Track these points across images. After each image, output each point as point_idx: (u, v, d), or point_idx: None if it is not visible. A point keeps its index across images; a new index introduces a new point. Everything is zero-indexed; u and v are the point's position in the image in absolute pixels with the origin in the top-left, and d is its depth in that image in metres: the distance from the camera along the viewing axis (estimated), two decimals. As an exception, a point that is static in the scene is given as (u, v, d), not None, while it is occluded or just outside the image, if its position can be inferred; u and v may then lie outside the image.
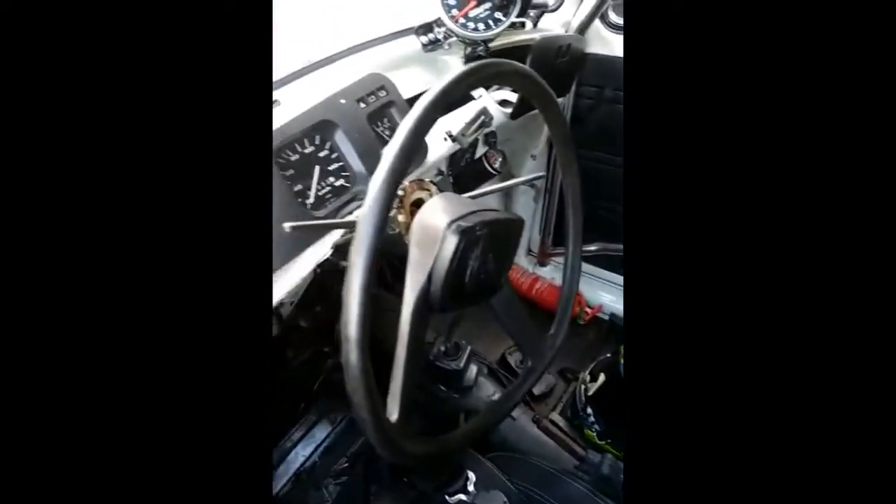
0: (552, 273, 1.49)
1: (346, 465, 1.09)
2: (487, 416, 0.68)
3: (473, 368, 0.99)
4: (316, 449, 1.11)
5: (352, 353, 0.39)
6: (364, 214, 0.39)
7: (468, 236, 0.50)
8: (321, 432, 1.14)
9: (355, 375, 0.40)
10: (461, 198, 0.58)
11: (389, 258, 0.71)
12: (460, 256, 0.50)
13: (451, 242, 0.50)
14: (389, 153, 0.40)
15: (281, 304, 1.05)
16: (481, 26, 0.85)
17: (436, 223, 0.52)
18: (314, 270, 1.12)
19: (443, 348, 0.98)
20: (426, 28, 0.89)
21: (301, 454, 1.10)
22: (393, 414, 0.46)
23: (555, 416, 1.12)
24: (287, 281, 0.68)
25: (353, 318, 0.39)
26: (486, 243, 0.52)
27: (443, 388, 1.07)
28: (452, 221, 0.51)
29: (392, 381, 0.48)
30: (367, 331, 0.40)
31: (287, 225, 0.51)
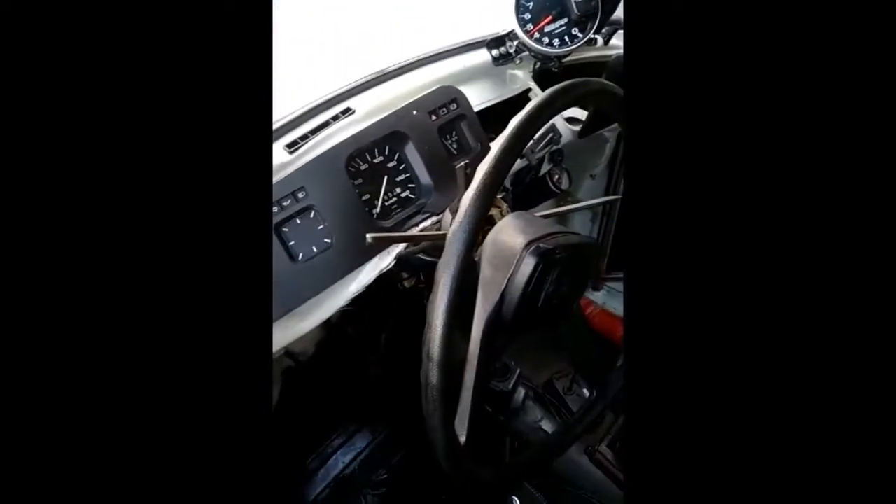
0: (604, 298, 1.43)
1: (384, 476, 1.08)
2: (551, 446, 0.65)
3: (522, 391, 0.96)
4: (356, 457, 1.11)
5: (433, 373, 0.38)
6: (455, 231, 0.38)
7: (547, 259, 0.48)
8: (361, 441, 1.13)
9: (434, 397, 0.38)
10: (537, 218, 0.56)
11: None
12: (537, 279, 0.48)
13: (529, 264, 0.48)
14: (483, 170, 0.39)
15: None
16: (556, 42, 0.83)
17: (512, 243, 0.50)
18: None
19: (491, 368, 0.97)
20: (498, 41, 0.88)
21: (341, 461, 1.10)
22: (461, 436, 0.44)
23: (603, 447, 1.07)
24: (348, 290, 0.68)
25: (437, 338, 0.37)
26: (564, 267, 0.50)
27: (488, 408, 1.05)
28: (531, 242, 0.49)
29: (460, 402, 0.47)
30: (449, 351, 0.38)
31: (370, 236, 0.50)
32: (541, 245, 0.48)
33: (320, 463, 1.09)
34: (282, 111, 0.70)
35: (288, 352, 1.05)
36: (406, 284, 1.06)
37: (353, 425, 1.14)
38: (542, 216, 0.63)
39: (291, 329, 0.65)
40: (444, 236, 0.61)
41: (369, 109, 0.70)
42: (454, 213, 0.66)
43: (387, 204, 0.71)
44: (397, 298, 1.12)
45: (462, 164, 0.59)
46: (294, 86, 0.77)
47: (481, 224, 0.38)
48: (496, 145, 0.40)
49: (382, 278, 0.90)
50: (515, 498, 0.91)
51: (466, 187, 0.62)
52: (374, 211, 0.70)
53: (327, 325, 1.13)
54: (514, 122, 0.41)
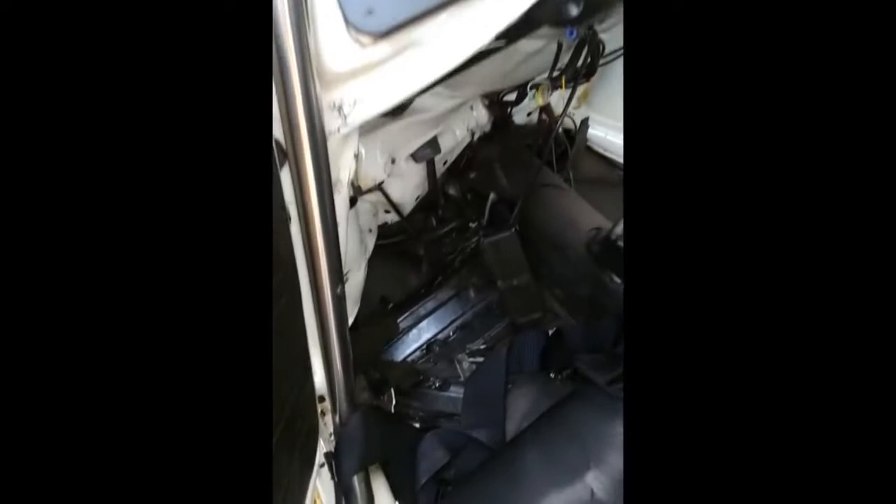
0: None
1: (483, 346, 0.95)
2: None
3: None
4: (450, 323, 0.98)
5: None
6: None
7: None
8: (457, 308, 1.00)
9: None
10: None
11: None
12: None
13: None
14: None
15: (437, 148, 0.90)
16: None
17: None
18: (471, 133, 0.94)
19: (620, 231, 0.84)
20: None
21: (434, 325, 0.98)
22: None
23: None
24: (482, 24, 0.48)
25: None
26: None
27: (616, 278, 0.89)
28: None
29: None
30: None
31: None
32: None
33: (412, 324, 0.98)
34: None
35: (387, 196, 0.92)
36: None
37: (451, 291, 1.01)
38: None
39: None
40: None
41: None
42: None
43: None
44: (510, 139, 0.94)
45: None
46: None
47: None
48: None
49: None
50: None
51: None
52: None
53: (432, 175, 0.99)
54: None
